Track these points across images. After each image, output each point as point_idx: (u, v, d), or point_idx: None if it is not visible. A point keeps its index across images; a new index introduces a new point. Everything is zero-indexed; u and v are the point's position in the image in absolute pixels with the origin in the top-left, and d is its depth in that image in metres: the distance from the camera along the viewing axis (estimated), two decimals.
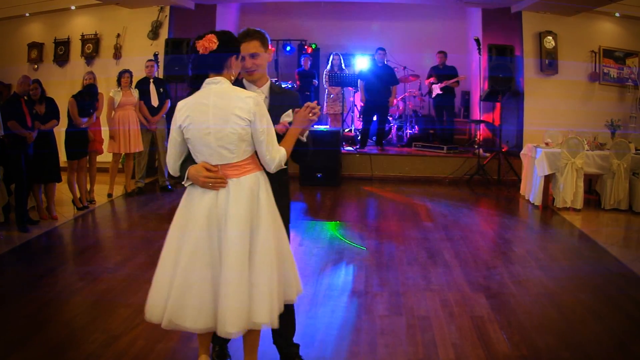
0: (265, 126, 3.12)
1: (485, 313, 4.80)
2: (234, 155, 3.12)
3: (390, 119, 12.86)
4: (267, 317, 3.11)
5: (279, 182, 3.42)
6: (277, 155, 3.17)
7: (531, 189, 9.40)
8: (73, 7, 11.82)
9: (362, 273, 5.86)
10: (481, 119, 11.87)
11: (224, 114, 3.07)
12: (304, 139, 3.45)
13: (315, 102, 3.40)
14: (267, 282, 3.12)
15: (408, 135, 12.66)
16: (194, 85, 3.20)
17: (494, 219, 8.50)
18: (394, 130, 12.95)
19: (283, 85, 11.61)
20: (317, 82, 12.83)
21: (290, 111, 3.41)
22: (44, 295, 5.07)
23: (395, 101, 12.29)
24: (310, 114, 3.32)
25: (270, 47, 3.51)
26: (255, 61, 3.41)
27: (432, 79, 12.13)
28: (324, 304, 5.01)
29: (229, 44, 3.19)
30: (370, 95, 11.79)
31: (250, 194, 3.14)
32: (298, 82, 12.53)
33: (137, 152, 9.31)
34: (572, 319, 4.75)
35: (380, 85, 11.65)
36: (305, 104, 3.35)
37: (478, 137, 11.82)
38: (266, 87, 3.53)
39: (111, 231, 7.64)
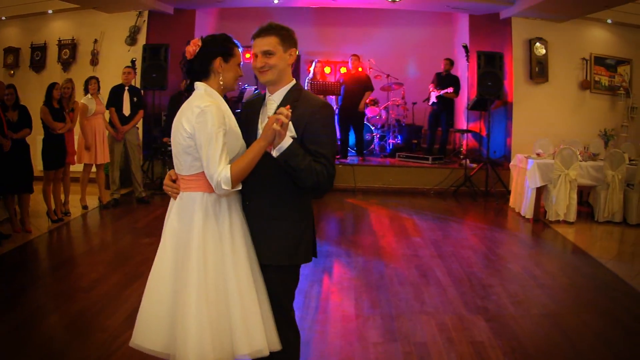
0: (205, 142, 2.70)
1: (486, 338, 4.49)
2: (181, 167, 2.89)
3: (373, 128, 12.51)
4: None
5: (272, 214, 2.95)
6: (215, 173, 2.69)
7: (522, 201, 9.09)
8: (50, 12, 11.42)
9: (352, 294, 5.46)
10: (467, 128, 11.57)
11: (177, 122, 2.87)
12: (274, 153, 2.77)
13: (288, 106, 2.73)
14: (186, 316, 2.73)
15: (391, 146, 12.32)
16: (189, 92, 2.97)
17: (485, 233, 8.10)
18: (376, 140, 12.59)
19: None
20: None
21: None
22: (16, 317, 4.71)
23: (364, 107, 11.77)
24: (275, 124, 2.68)
25: (293, 50, 3.02)
26: (269, 60, 2.90)
27: (431, 85, 11.74)
28: (312, 329, 4.62)
29: (211, 46, 2.91)
30: (342, 103, 11.55)
31: (182, 212, 2.87)
32: None
33: (105, 162, 8.87)
34: (578, 342, 4.47)
35: (352, 93, 11.36)
36: (279, 110, 2.74)
37: (464, 147, 11.51)
38: (280, 92, 2.97)
39: (86, 246, 7.27)
